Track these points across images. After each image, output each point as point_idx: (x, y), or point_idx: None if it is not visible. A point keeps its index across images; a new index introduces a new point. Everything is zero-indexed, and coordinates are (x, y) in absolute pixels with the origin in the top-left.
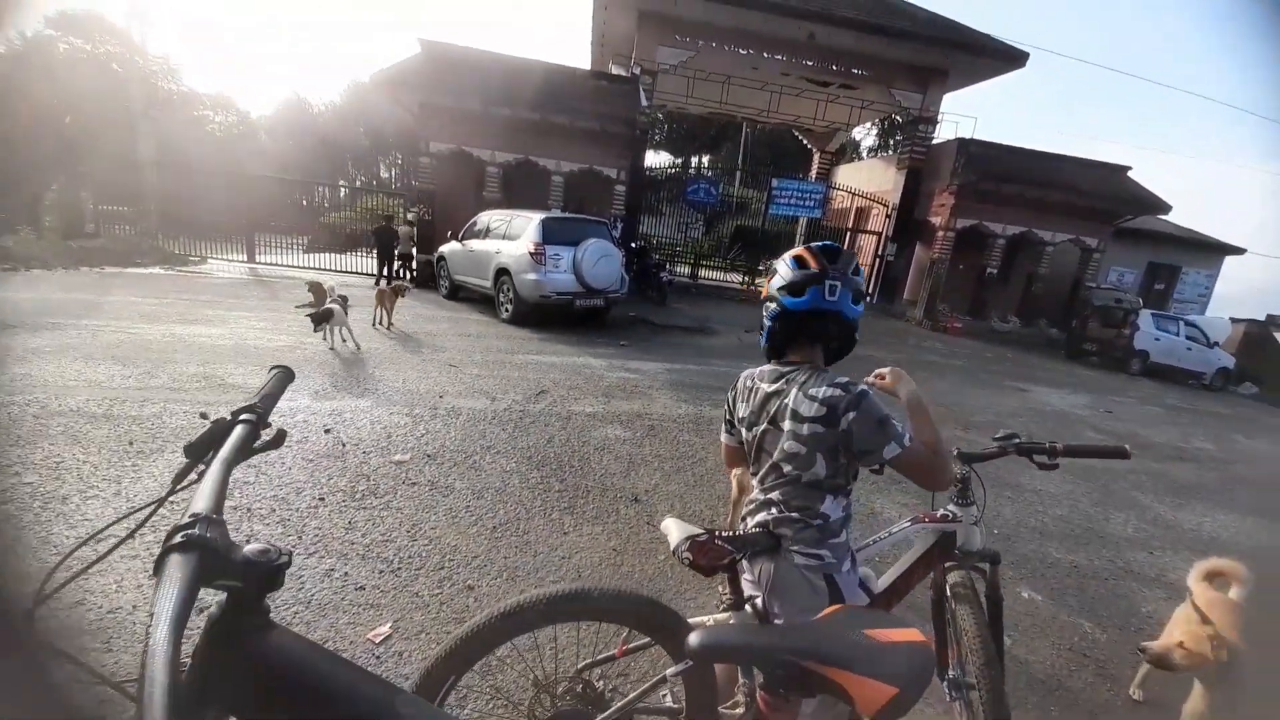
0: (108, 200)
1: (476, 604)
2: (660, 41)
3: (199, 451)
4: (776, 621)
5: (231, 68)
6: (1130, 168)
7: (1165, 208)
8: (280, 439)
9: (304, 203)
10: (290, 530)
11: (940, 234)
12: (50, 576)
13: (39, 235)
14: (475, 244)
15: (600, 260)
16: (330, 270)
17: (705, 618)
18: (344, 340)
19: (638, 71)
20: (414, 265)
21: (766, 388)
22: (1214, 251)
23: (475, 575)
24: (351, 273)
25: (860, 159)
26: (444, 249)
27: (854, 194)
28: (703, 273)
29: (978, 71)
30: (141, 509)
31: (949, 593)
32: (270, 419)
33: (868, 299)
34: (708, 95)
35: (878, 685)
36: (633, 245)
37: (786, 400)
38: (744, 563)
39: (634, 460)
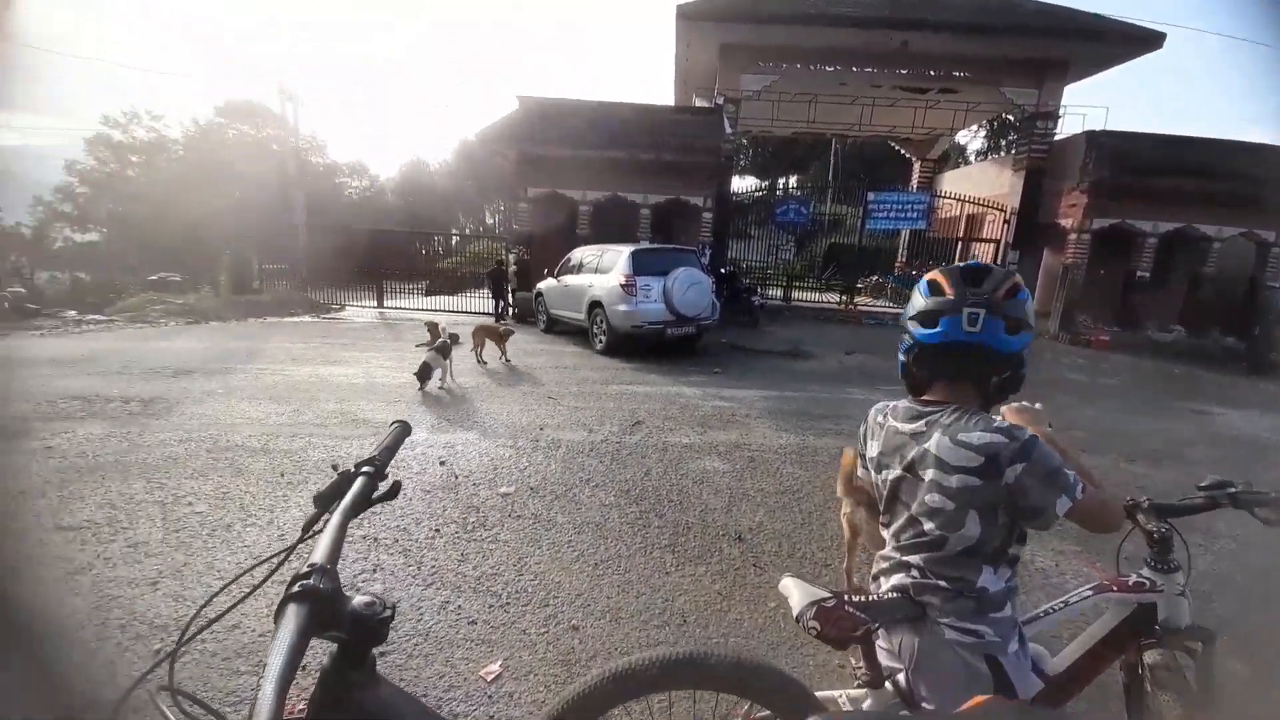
0: (269, 260)
1: (582, 646)
2: (743, 70)
3: (326, 501)
4: (925, 706)
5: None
6: None
7: None
8: (396, 490)
9: (423, 251)
10: (411, 561)
11: (1073, 237)
12: (190, 625)
13: (216, 293)
14: (570, 279)
15: (690, 288)
16: (445, 310)
17: (837, 693)
18: (442, 383)
19: (721, 101)
20: (514, 301)
21: (903, 427)
22: None
23: (580, 614)
24: (464, 312)
25: (966, 164)
26: (541, 285)
27: (963, 200)
28: (796, 294)
29: (1103, 59)
30: (272, 557)
31: (1149, 676)
32: (388, 470)
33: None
34: (794, 116)
35: None
36: (722, 271)
37: (927, 445)
38: (881, 631)
39: (735, 494)
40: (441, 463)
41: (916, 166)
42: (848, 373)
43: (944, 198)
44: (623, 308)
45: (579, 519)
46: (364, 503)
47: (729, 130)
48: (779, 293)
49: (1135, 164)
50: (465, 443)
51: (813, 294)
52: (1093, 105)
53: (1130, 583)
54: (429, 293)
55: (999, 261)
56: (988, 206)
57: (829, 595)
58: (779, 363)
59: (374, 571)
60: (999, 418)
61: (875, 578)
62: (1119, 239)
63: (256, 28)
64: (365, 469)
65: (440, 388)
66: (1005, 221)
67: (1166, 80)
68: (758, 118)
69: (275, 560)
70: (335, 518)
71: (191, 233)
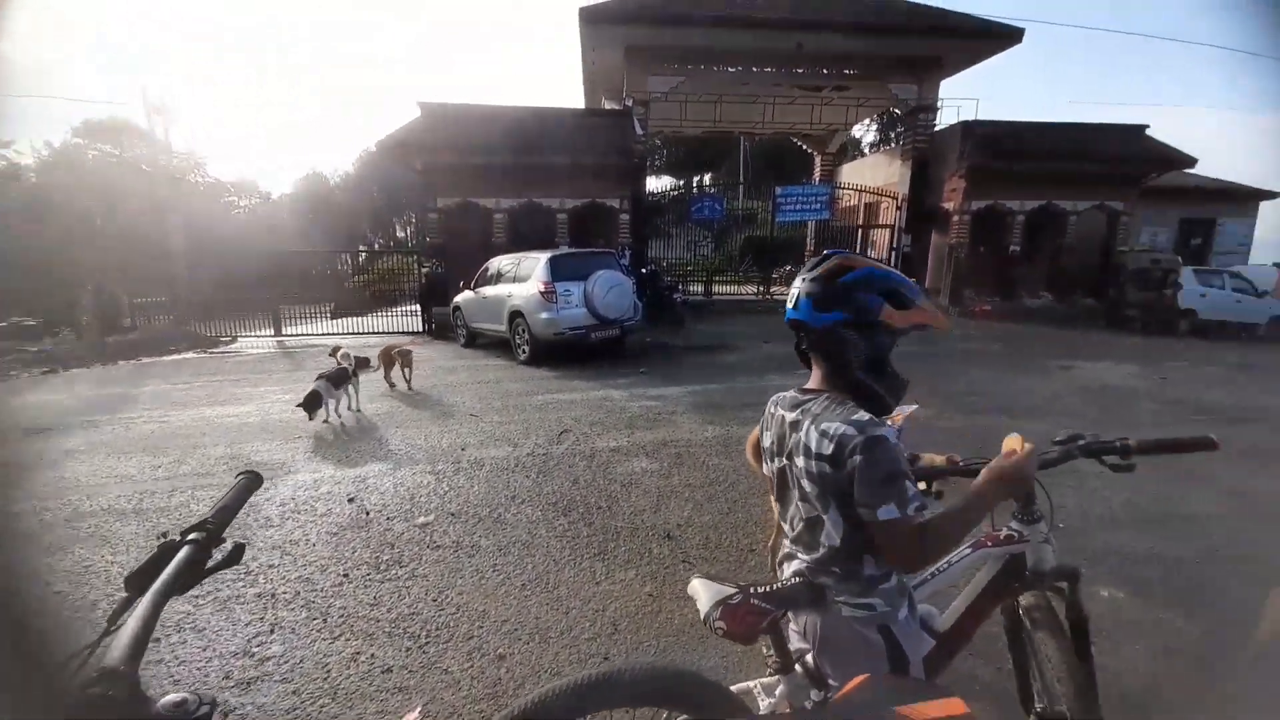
0: (144, 293)
1: (509, 675)
2: (649, 72)
3: (141, 581)
4: (831, 683)
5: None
6: (1147, 126)
7: (1190, 161)
8: (237, 555)
9: (327, 271)
10: (315, 613)
11: (955, 218)
12: None
13: (78, 335)
14: (488, 290)
15: (611, 290)
16: (357, 333)
17: (751, 684)
18: (338, 414)
19: (630, 103)
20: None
21: (787, 416)
22: (1248, 199)
23: (506, 642)
24: (378, 333)
25: (862, 155)
26: (458, 299)
27: (861, 191)
28: (717, 288)
29: (971, 55)
30: (74, 656)
31: (1025, 619)
32: (226, 534)
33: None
34: (701, 116)
35: None
36: (643, 271)
37: (800, 434)
38: (790, 615)
39: (663, 493)
40: (350, 500)
41: (818, 160)
42: (768, 362)
43: (843, 189)
44: (544, 315)
45: (504, 540)
46: (192, 577)
47: (640, 132)
48: (701, 288)
49: (1003, 149)
50: (378, 474)
51: (733, 286)
52: (967, 97)
53: (1001, 536)
54: (336, 315)
55: (893, 245)
56: (882, 195)
57: (735, 591)
58: (703, 357)
59: (271, 632)
60: (894, 419)
61: (780, 564)
62: (994, 218)
63: (130, 35)
64: (193, 536)
65: (327, 420)
66: (898, 208)
67: (1040, 68)
68: (667, 118)
69: (75, 660)
70: (143, 604)
71: (46, 270)
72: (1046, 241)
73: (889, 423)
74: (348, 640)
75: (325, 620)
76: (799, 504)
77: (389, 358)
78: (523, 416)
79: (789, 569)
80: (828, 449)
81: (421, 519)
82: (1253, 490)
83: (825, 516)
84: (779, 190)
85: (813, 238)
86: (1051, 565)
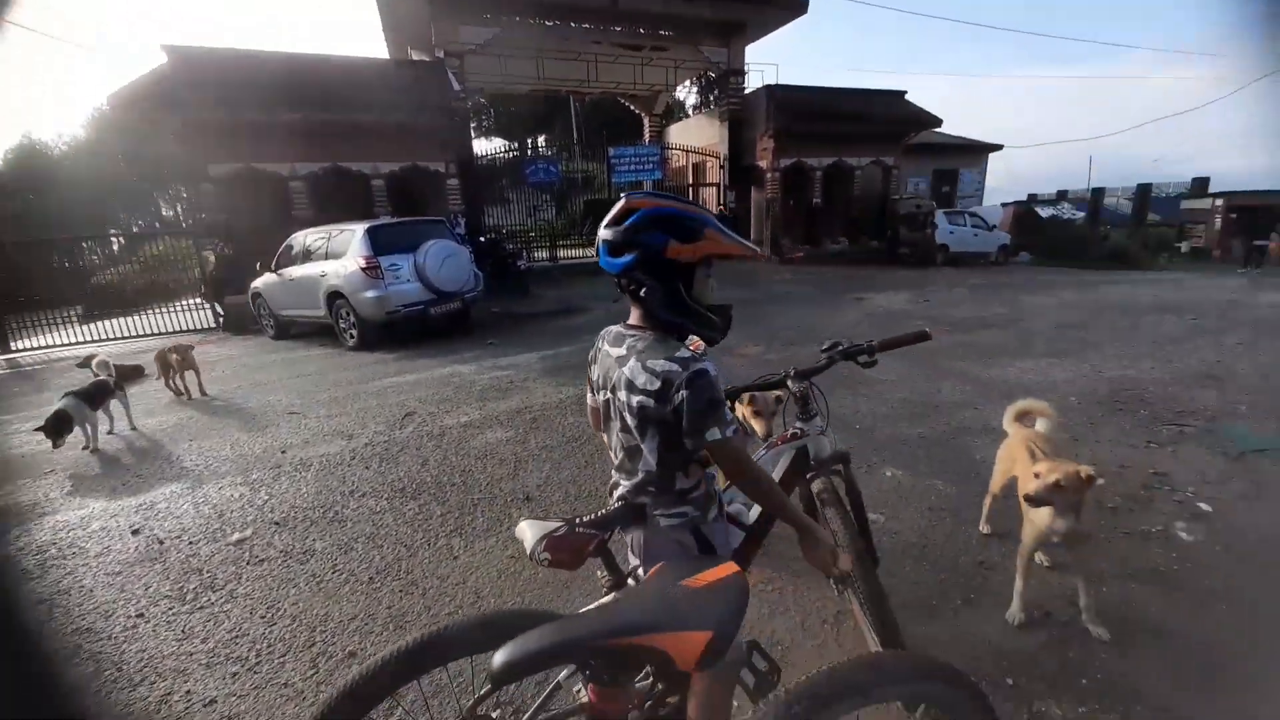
0: None
1: None
2: (460, 21)
3: None
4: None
5: None
6: (906, 91)
7: (937, 122)
8: None
9: (66, 265)
10: (105, 664)
11: (769, 176)
12: None
13: None
14: (295, 271)
15: (445, 261)
16: (121, 337)
17: (591, 606)
18: (93, 443)
19: (442, 55)
20: (222, 309)
21: (612, 352)
22: (979, 152)
23: (357, 639)
24: (148, 335)
25: (686, 117)
26: (258, 284)
27: (688, 151)
28: (562, 253)
29: (768, 22)
30: None
31: (816, 500)
32: None
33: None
34: (524, 72)
35: (689, 636)
36: (481, 239)
37: (624, 369)
38: (620, 535)
39: (520, 459)
40: (135, 531)
41: (647, 122)
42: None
43: (672, 149)
44: (370, 294)
45: (344, 538)
46: None
47: (457, 87)
48: (545, 254)
49: (802, 112)
50: (169, 498)
51: (578, 250)
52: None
53: (788, 435)
54: (89, 319)
55: (719, 202)
56: (707, 155)
57: (560, 524)
58: (552, 322)
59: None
60: (688, 349)
61: (610, 492)
62: (799, 174)
63: None
64: None
65: (89, 448)
66: (721, 167)
67: (830, 37)
68: (487, 74)
69: None
70: None
71: None
72: (839, 194)
73: (689, 348)
74: (153, 684)
75: (120, 669)
76: (620, 434)
77: (165, 361)
78: (357, 406)
79: (614, 496)
80: (654, 385)
81: (236, 535)
82: (985, 377)
83: (644, 445)
84: (612, 152)
85: None
86: (828, 453)
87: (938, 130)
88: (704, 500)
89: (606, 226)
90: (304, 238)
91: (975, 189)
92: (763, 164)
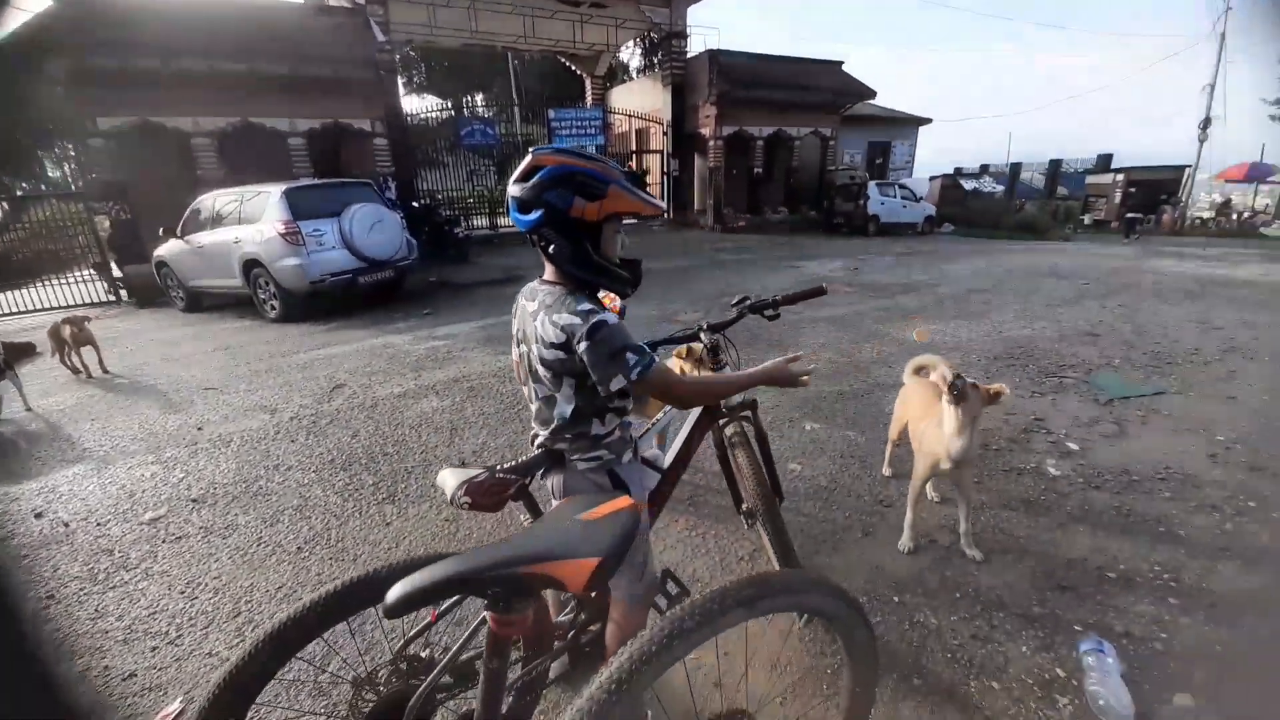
0: None
1: None
2: None
3: None
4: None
5: None
6: (843, 61)
7: (871, 93)
8: None
9: None
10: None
11: (711, 143)
12: None
13: None
14: (204, 237)
15: (373, 227)
16: (7, 314)
17: (494, 541)
18: None
19: (363, 1)
20: (122, 278)
21: (528, 306)
22: (910, 125)
23: (284, 606)
24: (51, 308)
25: (631, 79)
26: (162, 251)
27: (631, 116)
28: (504, 220)
29: None
30: None
31: (727, 444)
32: None
33: (660, 210)
34: (455, 23)
35: (580, 563)
36: (415, 205)
37: (535, 323)
38: (544, 481)
39: (456, 426)
40: (38, 515)
41: (589, 84)
42: None
43: (615, 114)
44: (291, 262)
45: (269, 512)
46: None
47: (381, 38)
48: (485, 221)
49: (744, 79)
50: (74, 479)
51: None
52: (710, 26)
53: None
54: None
55: (664, 170)
56: (650, 120)
57: (480, 471)
58: (493, 291)
59: None
60: (589, 302)
61: (531, 441)
62: (741, 143)
63: None
64: None
65: None
66: (665, 134)
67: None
68: (415, 23)
69: None
70: None
71: None
72: (781, 164)
73: (601, 304)
74: (68, 663)
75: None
76: (535, 385)
77: (59, 336)
78: (280, 380)
79: (535, 444)
80: (559, 338)
81: (149, 514)
82: (903, 338)
83: (558, 394)
84: (553, 114)
85: None
86: (737, 400)
87: (872, 103)
88: (619, 445)
89: (515, 183)
90: (213, 201)
91: (906, 161)
92: (705, 131)
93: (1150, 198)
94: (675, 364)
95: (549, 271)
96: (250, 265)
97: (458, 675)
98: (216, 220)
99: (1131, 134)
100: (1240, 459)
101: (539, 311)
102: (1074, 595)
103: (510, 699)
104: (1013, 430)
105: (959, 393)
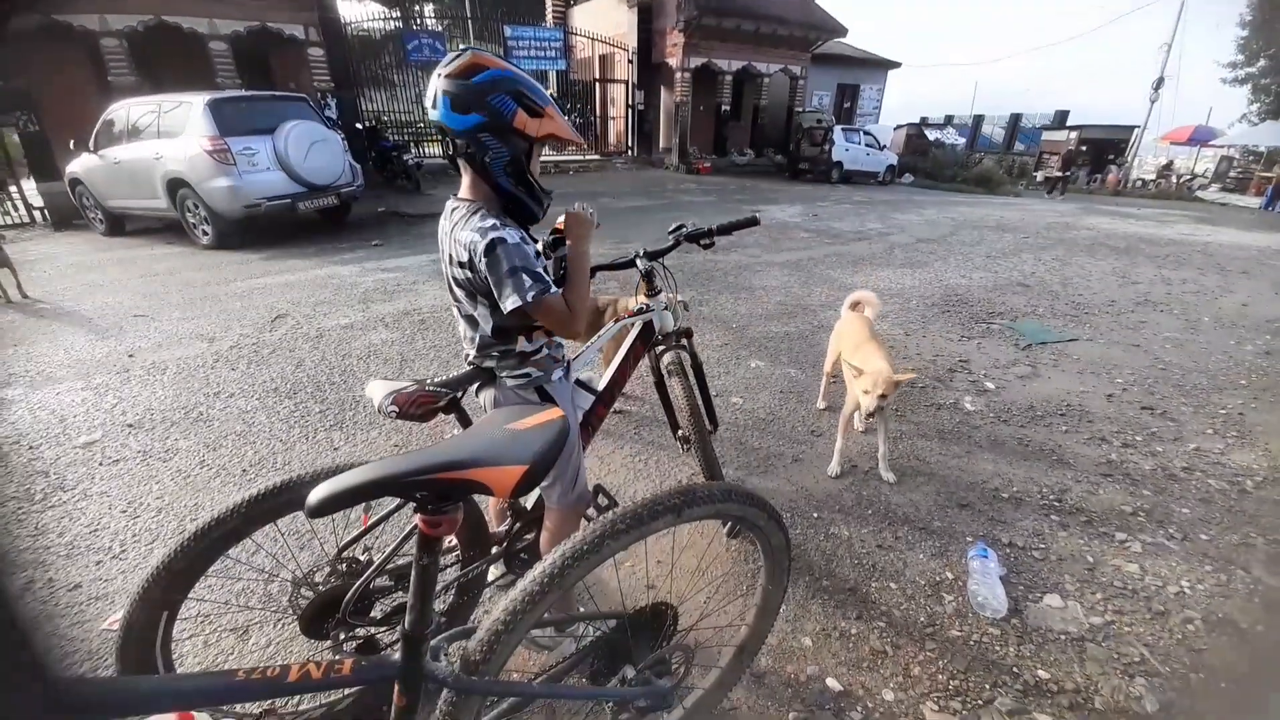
0: None
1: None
2: None
3: None
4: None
5: None
6: None
7: (843, 30)
8: None
9: None
10: None
11: (678, 75)
12: None
13: None
14: (119, 152)
15: (311, 147)
16: None
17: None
18: None
19: None
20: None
21: (444, 225)
22: (880, 68)
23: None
24: None
25: None
26: (75, 168)
27: (594, 39)
28: None
29: None
30: None
31: (663, 370)
32: None
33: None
34: None
35: (507, 469)
36: (358, 126)
37: (448, 242)
38: (476, 397)
39: (406, 358)
40: None
41: (549, 1)
42: None
43: (576, 35)
44: (222, 183)
45: (211, 437)
46: None
47: None
48: (440, 149)
49: (714, 4)
50: None
51: None
52: None
53: (634, 310)
54: None
55: (629, 102)
56: (615, 46)
57: (410, 384)
58: None
59: None
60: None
61: (464, 359)
62: (708, 77)
63: None
64: None
65: None
66: (630, 62)
67: None
68: None
69: None
70: None
71: None
72: (749, 102)
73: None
74: (9, 576)
75: None
76: (457, 304)
77: None
78: (218, 308)
79: (467, 360)
80: (464, 256)
81: (83, 439)
82: (850, 283)
83: (476, 312)
84: (509, 32)
85: (555, 92)
86: (672, 328)
87: (842, 41)
88: (547, 362)
89: (449, 78)
90: (127, 111)
91: (875, 107)
92: (672, 61)
93: (1099, 156)
94: (622, 309)
95: (464, 186)
96: (176, 185)
97: (395, 576)
98: (134, 133)
99: (1090, 90)
100: (1134, 399)
101: (451, 229)
102: (970, 511)
103: (450, 597)
104: (939, 370)
105: (878, 409)
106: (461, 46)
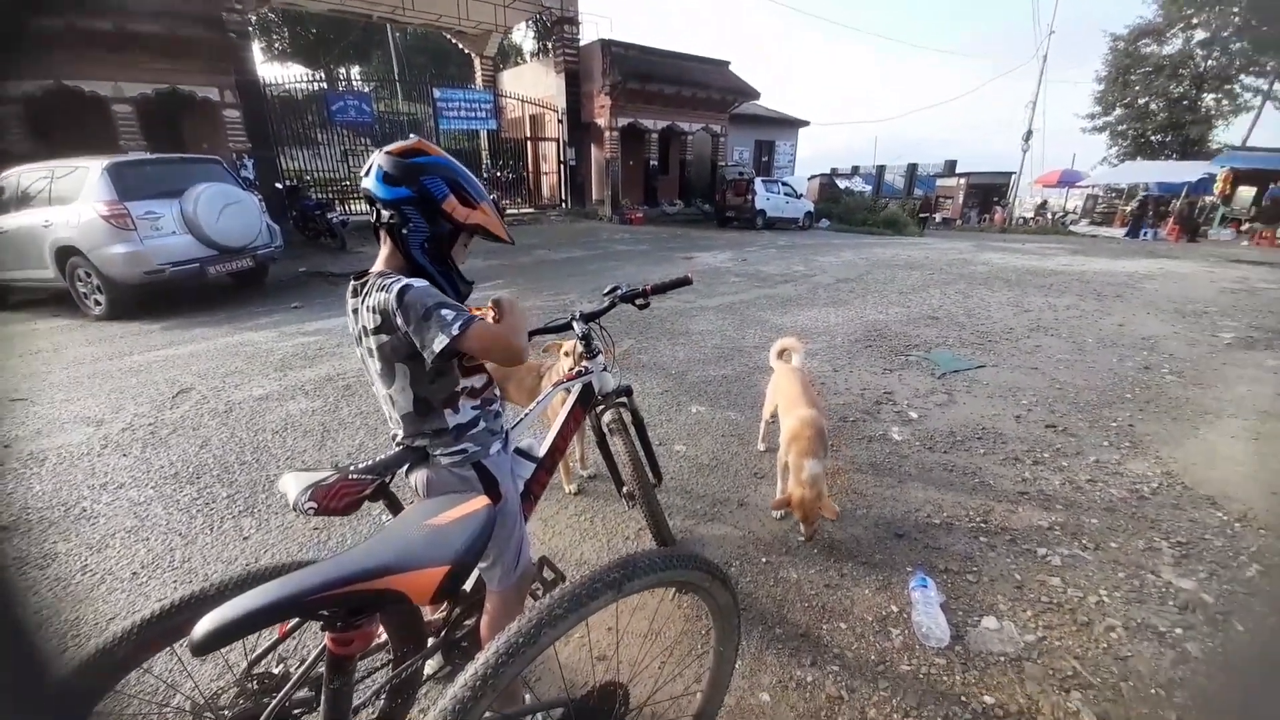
0: None
1: None
2: None
3: None
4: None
5: None
6: (730, 61)
7: (756, 94)
8: None
9: None
10: None
11: (607, 134)
12: None
13: None
14: (5, 221)
15: (225, 210)
16: None
17: (326, 558)
18: None
19: None
20: None
21: (351, 303)
22: (791, 126)
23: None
24: None
25: (524, 62)
26: None
27: (524, 101)
28: None
29: None
30: None
31: (605, 430)
32: None
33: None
34: None
35: (425, 573)
36: (278, 186)
37: (362, 314)
38: (408, 479)
39: (329, 428)
40: None
41: (478, 64)
42: None
43: (506, 98)
44: (120, 249)
45: (95, 536)
46: None
47: None
48: (366, 207)
49: (637, 70)
50: None
51: None
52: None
53: (575, 373)
54: None
55: (560, 159)
56: (545, 107)
57: (330, 473)
58: None
59: None
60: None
61: (392, 441)
62: (635, 135)
63: None
64: None
65: None
66: (559, 121)
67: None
68: None
69: None
70: None
71: None
72: (675, 157)
73: (475, 312)
74: None
75: None
76: (377, 384)
77: None
78: (108, 386)
79: (395, 442)
80: (378, 320)
81: None
82: (780, 324)
83: (392, 390)
84: (438, 94)
85: (487, 150)
86: (611, 387)
87: (756, 103)
88: (483, 436)
89: (389, 154)
90: (17, 177)
91: (789, 160)
92: (600, 122)
93: (986, 198)
94: (563, 360)
95: (381, 260)
96: (65, 253)
97: (318, 687)
98: (22, 200)
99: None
100: (1039, 419)
101: (360, 302)
102: (907, 541)
103: (382, 702)
104: (866, 403)
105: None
106: (411, 135)
